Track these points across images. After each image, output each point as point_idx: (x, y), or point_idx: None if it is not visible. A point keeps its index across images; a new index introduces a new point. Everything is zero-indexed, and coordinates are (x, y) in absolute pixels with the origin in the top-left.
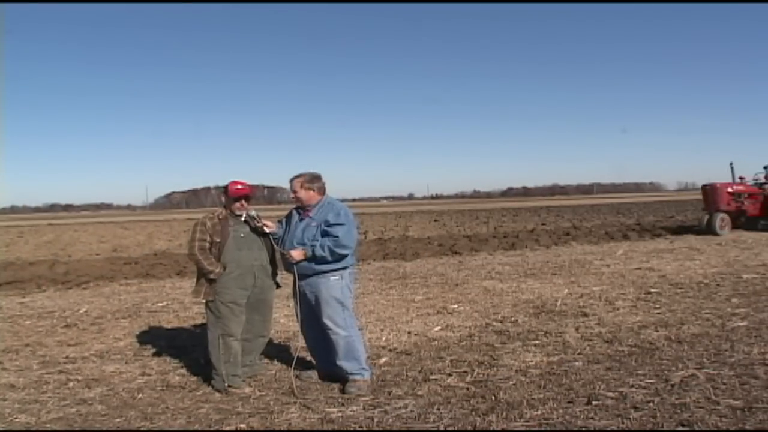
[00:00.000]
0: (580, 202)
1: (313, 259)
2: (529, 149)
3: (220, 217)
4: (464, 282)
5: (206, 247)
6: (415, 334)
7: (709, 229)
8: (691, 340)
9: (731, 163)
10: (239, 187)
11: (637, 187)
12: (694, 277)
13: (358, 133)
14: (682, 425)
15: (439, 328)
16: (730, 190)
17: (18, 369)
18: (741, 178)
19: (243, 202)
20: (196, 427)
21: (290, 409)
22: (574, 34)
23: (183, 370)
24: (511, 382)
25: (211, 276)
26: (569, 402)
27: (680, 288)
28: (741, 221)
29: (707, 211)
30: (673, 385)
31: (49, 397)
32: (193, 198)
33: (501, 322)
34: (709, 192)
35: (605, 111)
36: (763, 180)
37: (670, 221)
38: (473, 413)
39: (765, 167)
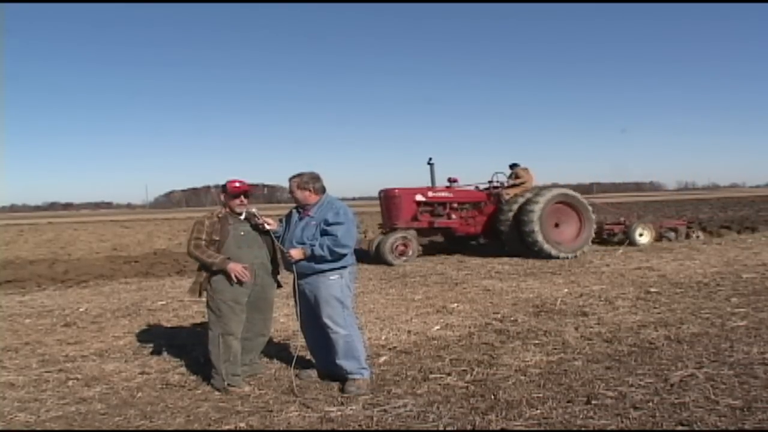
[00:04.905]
0: None
1: (313, 258)
2: (528, 149)
3: (219, 215)
4: (464, 281)
5: (202, 245)
6: (415, 333)
7: (378, 257)
8: (690, 340)
9: (430, 160)
10: (237, 184)
11: (637, 187)
12: (693, 276)
13: (358, 132)
14: (682, 425)
15: (439, 327)
16: (419, 197)
17: (17, 367)
18: (451, 180)
19: (242, 198)
20: (196, 426)
21: (290, 408)
22: (574, 34)
23: (182, 369)
24: (510, 382)
25: (214, 267)
26: (569, 401)
27: (680, 287)
28: (477, 241)
29: (383, 228)
30: (672, 385)
31: (48, 395)
32: (193, 197)
33: (501, 321)
34: (384, 201)
35: (605, 111)
36: (507, 182)
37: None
38: (472, 412)
39: (511, 165)
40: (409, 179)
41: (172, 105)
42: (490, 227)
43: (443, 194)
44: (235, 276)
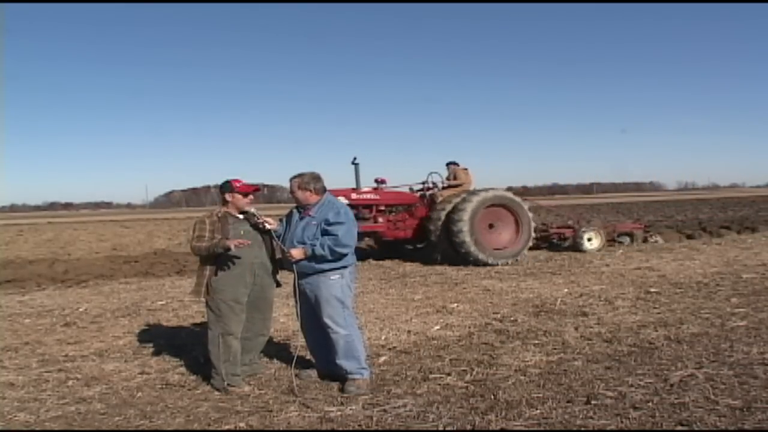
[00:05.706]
0: (580, 202)
1: (313, 258)
2: (528, 148)
3: (219, 215)
4: (464, 281)
5: (204, 239)
6: (415, 333)
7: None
8: (690, 340)
9: (354, 159)
10: (241, 183)
11: (637, 187)
12: (693, 276)
13: (358, 132)
14: (681, 425)
15: (439, 327)
16: (341, 200)
17: (17, 367)
18: (379, 181)
19: (251, 197)
20: (195, 425)
21: (289, 408)
22: (574, 34)
23: (182, 369)
24: (510, 382)
25: (221, 246)
26: (568, 401)
27: (680, 288)
28: (414, 246)
29: None
30: (672, 385)
31: (48, 395)
32: (193, 197)
33: (500, 321)
34: None
35: (605, 111)
36: (443, 182)
37: (669, 221)
38: (472, 412)
39: (448, 163)
40: (408, 178)
41: (172, 105)
42: (422, 231)
43: (369, 196)
44: (236, 246)
